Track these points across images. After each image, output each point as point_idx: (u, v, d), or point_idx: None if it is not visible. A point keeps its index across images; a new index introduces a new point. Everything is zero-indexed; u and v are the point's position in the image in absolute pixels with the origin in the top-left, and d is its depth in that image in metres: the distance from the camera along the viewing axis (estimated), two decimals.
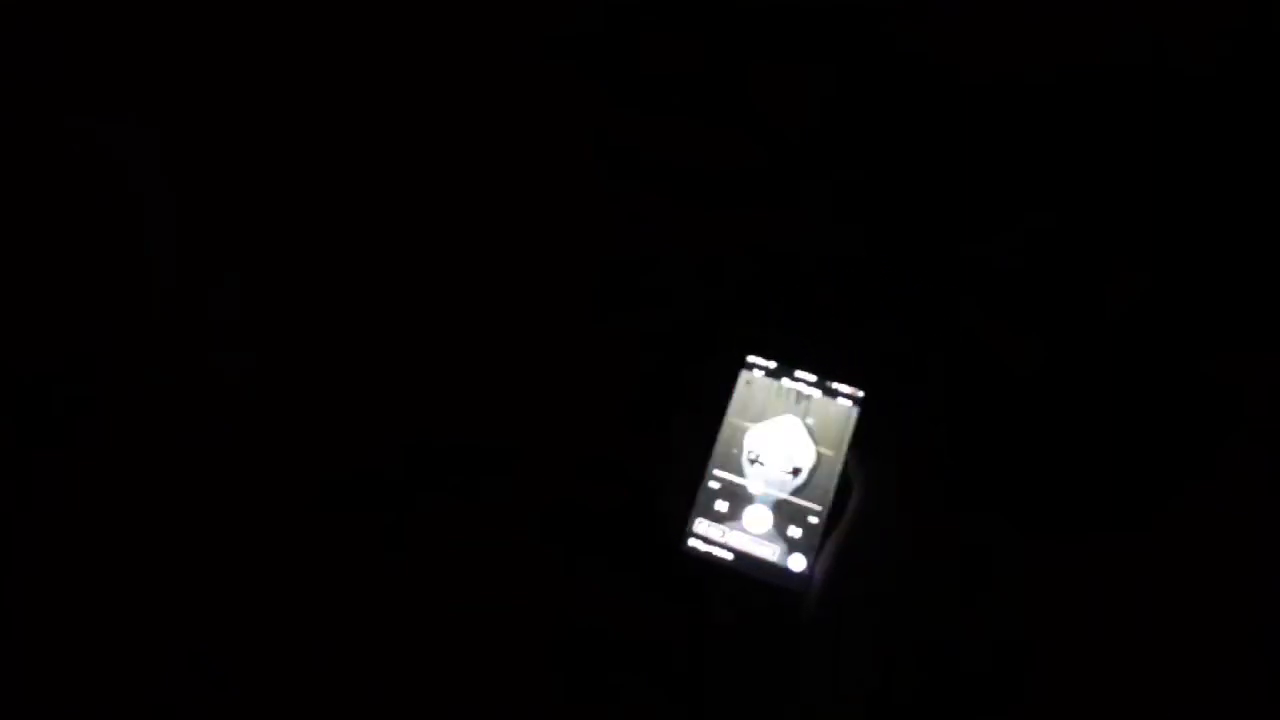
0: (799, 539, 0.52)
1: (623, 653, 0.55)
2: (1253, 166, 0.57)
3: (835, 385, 0.54)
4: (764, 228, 0.61)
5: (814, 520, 0.52)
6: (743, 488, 0.53)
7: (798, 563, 0.52)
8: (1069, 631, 0.52)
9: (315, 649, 0.55)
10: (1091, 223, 0.58)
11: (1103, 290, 0.58)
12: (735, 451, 0.54)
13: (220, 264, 0.62)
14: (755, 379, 0.55)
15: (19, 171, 0.62)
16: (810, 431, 0.54)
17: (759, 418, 0.54)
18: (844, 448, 0.53)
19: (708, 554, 0.53)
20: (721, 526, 0.53)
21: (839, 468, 0.53)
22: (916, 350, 0.59)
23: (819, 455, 0.53)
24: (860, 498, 0.51)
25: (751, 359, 0.55)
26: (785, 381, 0.55)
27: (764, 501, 0.53)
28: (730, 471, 0.54)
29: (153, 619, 0.55)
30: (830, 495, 0.52)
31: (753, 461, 0.54)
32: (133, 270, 0.61)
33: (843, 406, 0.54)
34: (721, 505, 0.53)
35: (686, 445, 0.54)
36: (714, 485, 0.54)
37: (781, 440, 0.54)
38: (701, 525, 0.53)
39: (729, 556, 0.53)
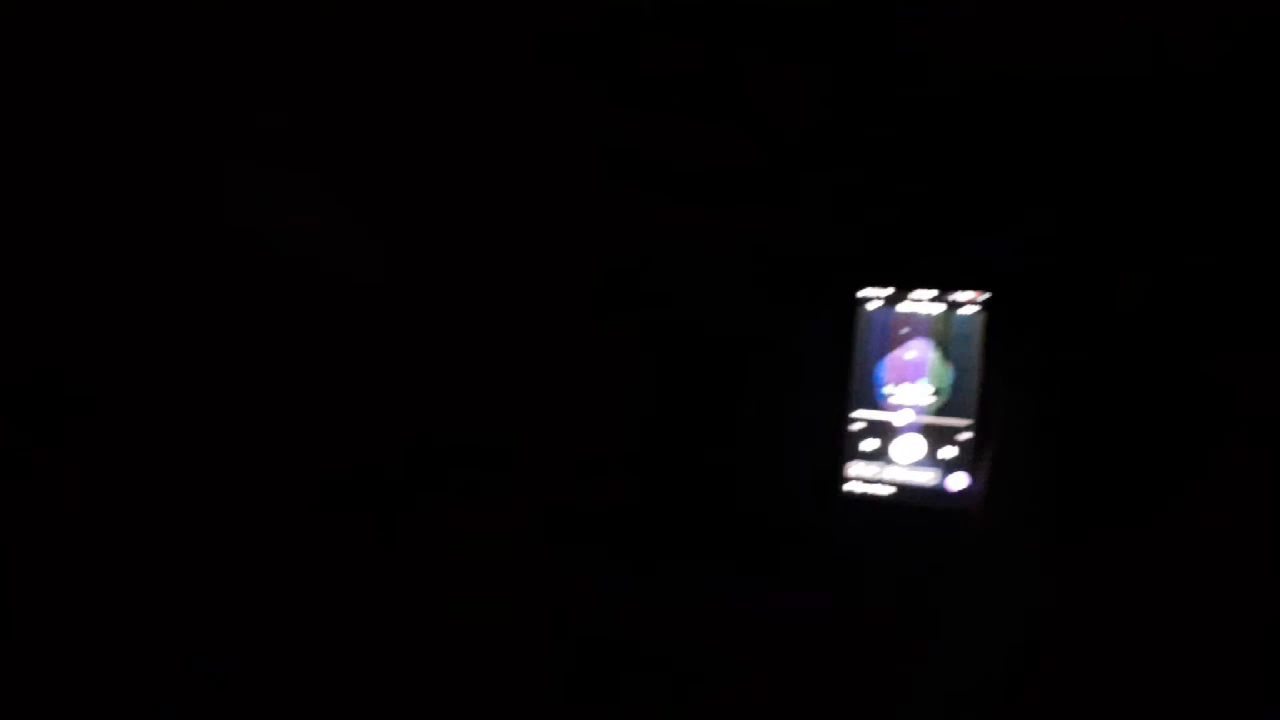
0: (955, 458, 0.51)
1: (623, 653, 0.55)
2: (1253, 166, 0.57)
3: (956, 296, 0.52)
4: (764, 228, 0.61)
5: (965, 436, 0.51)
6: (886, 422, 0.52)
7: (958, 482, 0.51)
8: (1069, 631, 0.52)
9: (315, 649, 0.55)
10: (1092, 222, 0.58)
11: (1103, 290, 0.57)
12: (871, 388, 0.53)
13: (219, 263, 0.62)
14: (874, 310, 0.54)
15: (18, 171, 0.62)
16: (941, 348, 0.52)
17: (886, 349, 0.53)
18: (979, 358, 0.51)
19: (866, 494, 0.52)
20: (875, 464, 0.52)
21: (978, 378, 0.51)
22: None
23: (955, 371, 0.52)
24: (1006, 403, 0.49)
25: (864, 292, 0.54)
26: (905, 305, 0.53)
27: (911, 430, 0.52)
28: (870, 408, 0.53)
29: (153, 619, 0.55)
30: (975, 407, 0.51)
31: (891, 394, 0.53)
32: (132, 270, 0.61)
33: (969, 315, 0.52)
34: (869, 444, 0.52)
35: (822, 394, 0.53)
36: (858, 426, 0.53)
37: (914, 365, 0.52)
38: (855, 468, 0.52)
39: (888, 491, 0.52)
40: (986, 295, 0.52)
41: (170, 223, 0.62)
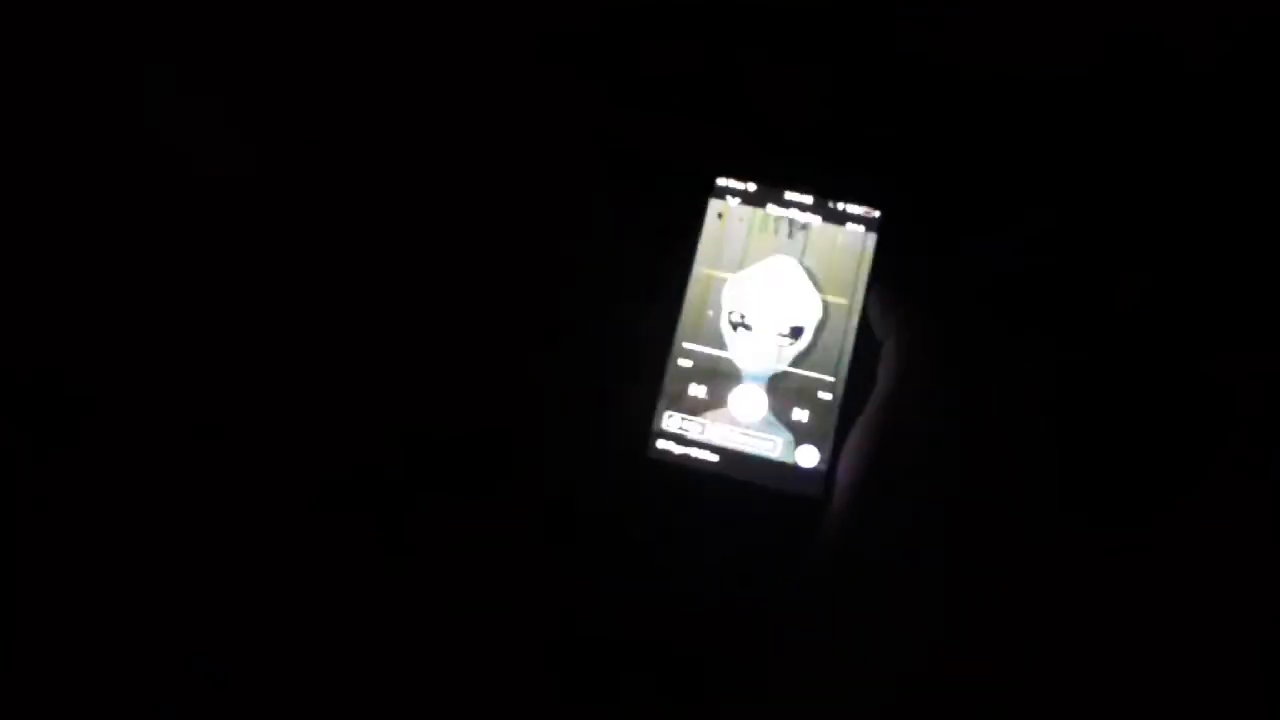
0: (807, 424, 0.38)
1: (623, 653, 0.55)
2: (1253, 166, 0.57)
3: (841, 206, 0.41)
4: None
5: (826, 397, 0.38)
6: (725, 362, 0.39)
7: (808, 457, 0.38)
8: (1069, 630, 0.52)
9: (315, 649, 0.55)
10: (1092, 222, 0.58)
11: (1103, 290, 0.58)
12: (711, 313, 0.40)
13: (220, 262, 0.62)
14: (730, 208, 0.41)
15: (18, 171, 0.62)
16: (811, 275, 0.39)
17: (739, 263, 0.40)
18: (860, 293, 0.39)
19: (683, 458, 0.39)
20: (700, 420, 0.39)
21: (855, 322, 0.38)
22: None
23: (826, 307, 0.39)
24: (891, 360, 0.37)
25: (722, 181, 0.42)
26: (772, 208, 0.41)
27: (756, 379, 0.39)
28: (705, 343, 0.39)
29: (153, 619, 0.55)
30: (847, 362, 0.38)
31: (736, 325, 0.40)
32: (132, 271, 0.61)
33: (854, 235, 0.40)
34: (697, 390, 0.39)
35: (643, 313, 0.40)
36: (685, 363, 0.39)
37: (772, 291, 0.39)
38: (672, 420, 0.39)
39: (713, 459, 0.39)
40: (878, 213, 0.40)
41: (171, 224, 0.62)
